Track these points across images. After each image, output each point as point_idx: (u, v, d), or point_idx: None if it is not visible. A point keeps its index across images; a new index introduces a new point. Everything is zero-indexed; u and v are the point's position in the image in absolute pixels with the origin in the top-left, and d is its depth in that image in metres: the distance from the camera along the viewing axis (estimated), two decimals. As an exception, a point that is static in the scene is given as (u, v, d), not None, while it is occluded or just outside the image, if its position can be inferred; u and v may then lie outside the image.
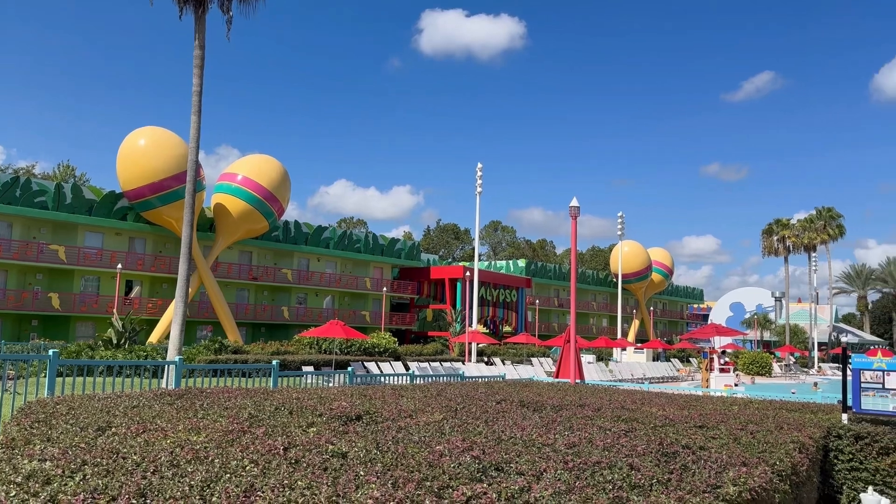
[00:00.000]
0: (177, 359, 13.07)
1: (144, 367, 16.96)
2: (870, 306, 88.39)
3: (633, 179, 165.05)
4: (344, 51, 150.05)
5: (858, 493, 6.58)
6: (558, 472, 4.08)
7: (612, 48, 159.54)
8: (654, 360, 49.73)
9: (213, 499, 3.12)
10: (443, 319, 57.53)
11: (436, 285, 62.02)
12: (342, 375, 16.71)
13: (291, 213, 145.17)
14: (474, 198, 42.03)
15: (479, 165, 41.93)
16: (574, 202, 17.50)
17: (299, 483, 3.41)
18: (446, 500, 3.23)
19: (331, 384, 16.43)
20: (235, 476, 3.55)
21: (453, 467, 3.97)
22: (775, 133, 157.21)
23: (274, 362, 14.27)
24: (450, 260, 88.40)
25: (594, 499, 3.46)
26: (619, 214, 55.32)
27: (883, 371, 8.14)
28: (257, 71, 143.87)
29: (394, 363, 30.29)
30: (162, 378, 15.57)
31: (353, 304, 57.65)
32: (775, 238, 65.69)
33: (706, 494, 3.78)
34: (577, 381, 16.11)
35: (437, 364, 31.62)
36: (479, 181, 41.89)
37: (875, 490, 6.61)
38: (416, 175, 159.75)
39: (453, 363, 33.79)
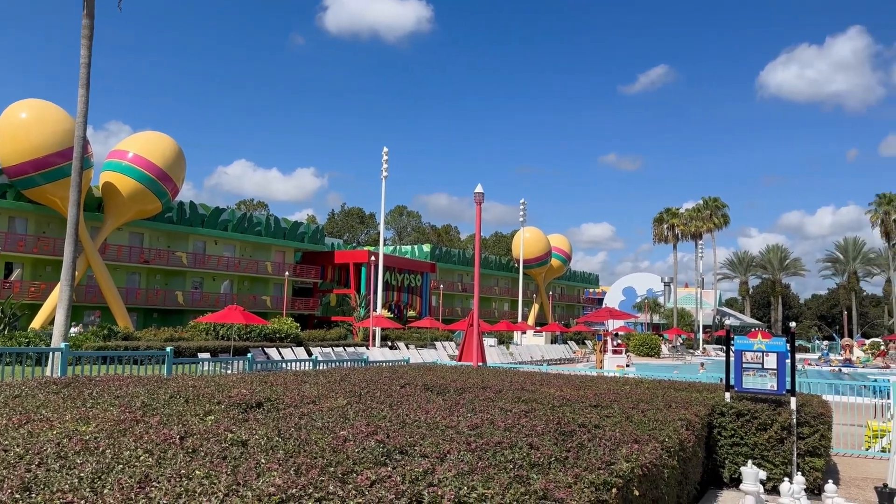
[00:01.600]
0: (62, 345, 12.36)
1: (27, 355, 15.95)
2: (750, 291, 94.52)
3: (536, 167, 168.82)
4: (244, 24, 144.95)
5: (739, 467, 7.04)
6: (461, 453, 4.15)
7: (517, 38, 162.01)
8: (552, 342, 51.29)
9: (105, 491, 2.98)
10: (347, 304, 57.09)
11: (340, 270, 61.41)
12: (241, 362, 16.30)
13: (187, 194, 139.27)
14: (380, 182, 41.84)
15: (385, 149, 41.74)
16: (479, 189, 17.71)
17: (197, 472, 3.30)
18: (351, 485, 3.22)
19: (229, 371, 16.00)
20: (129, 467, 3.40)
21: (358, 452, 3.96)
22: (668, 125, 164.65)
23: (168, 349, 13.75)
24: (354, 244, 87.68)
25: (496, 478, 3.54)
26: (522, 201, 56.56)
27: (762, 352, 8.72)
28: (152, 44, 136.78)
29: (296, 349, 29.82)
30: (46, 366, 14.70)
31: (254, 289, 56.23)
32: (665, 226, 68.91)
33: (601, 471, 3.94)
34: (480, 364, 16.40)
35: (340, 349, 31.37)
36: (385, 165, 41.70)
37: (754, 463, 7.10)
38: (320, 157, 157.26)
39: (357, 348, 33.63)
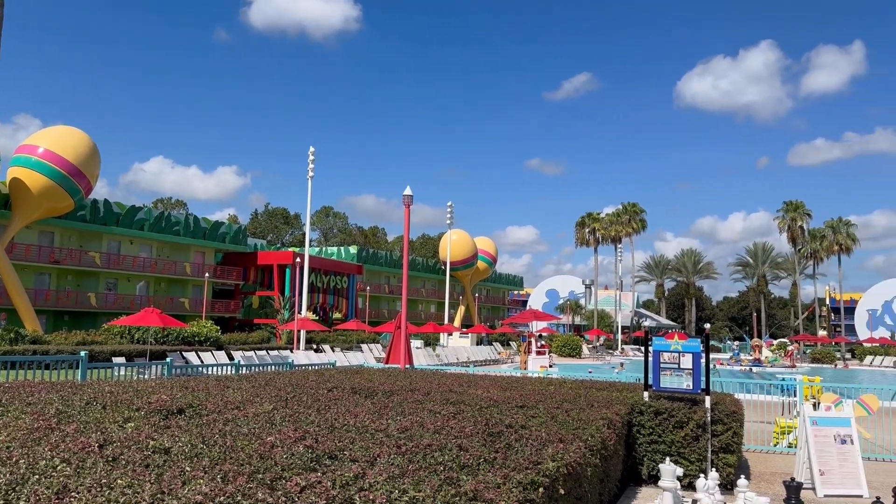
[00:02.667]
0: (-36, 351, 11.65)
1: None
2: (666, 293, 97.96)
3: (463, 170, 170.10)
4: (166, 16, 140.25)
5: (657, 464, 7.30)
6: (392, 456, 4.16)
7: (445, 40, 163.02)
8: (478, 344, 51.77)
9: (21, 503, 2.85)
10: (270, 307, 55.96)
11: (263, 271, 60.13)
12: (159, 367, 15.76)
13: (101, 192, 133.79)
14: (306, 182, 41.23)
15: (312, 149, 41.18)
16: (408, 191, 17.71)
17: (119, 481, 3.19)
18: (280, 492, 3.18)
19: (147, 376, 15.44)
20: (45, 477, 3.25)
21: (286, 458, 3.91)
22: (590, 131, 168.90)
23: (82, 353, 13.16)
24: (279, 245, 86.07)
25: (427, 481, 3.57)
26: (449, 204, 56.89)
27: (679, 352, 9.07)
28: (66, 34, 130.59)
29: (216, 353, 29.03)
30: (-56, 373, 13.81)
31: (171, 291, 54.40)
32: (587, 230, 70.72)
33: (529, 471, 4.03)
34: (407, 366, 16.40)
35: (263, 353, 30.75)
36: (312, 165, 41.14)
37: (671, 460, 7.38)
38: (243, 155, 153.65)
39: (281, 352, 33.04)
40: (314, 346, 39.67)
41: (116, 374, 15.27)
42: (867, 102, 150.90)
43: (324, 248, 75.49)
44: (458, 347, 43.60)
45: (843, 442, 9.04)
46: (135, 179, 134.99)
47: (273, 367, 17.96)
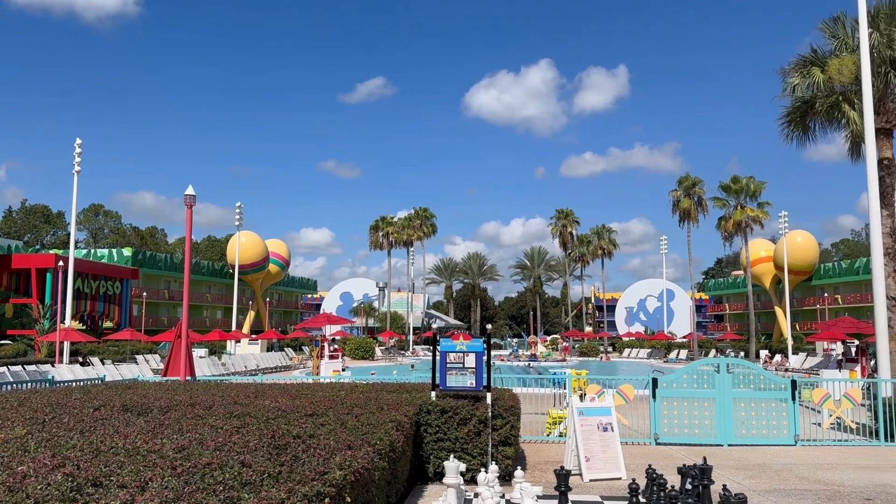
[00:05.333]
0: None
1: None
2: (454, 295, 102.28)
3: (255, 168, 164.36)
4: None
5: (443, 461, 7.56)
6: (166, 479, 3.87)
7: (233, 33, 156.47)
8: (268, 350, 50.27)
9: None
10: (28, 315, 49.79)
11: (19, 276, 53.38)
12: None
13: None
14: (72, 177, 37.29)
15: (78, 141, 37.34)
16: (190, 190, 16.70)
17: None
18: (29, 531, 2.82)
19: None
20: None
21: (40, 489, 3.48)
22: (384, 136, 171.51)
23: None
24: (38, 247, 76.96)
25: (205, 502, 3.37)
26: (238, 204, 54.55)
27: (464, 352, 9.49)
28: None
29: (-41, 370, 25.24)
30: None
31: None
32: (381, 233, 71.77)
33: (315, 482, 3.96)
34: (188, 377, 15.46)
35: (18, 368, 27.28)
36: (78, 159, 37.30)
37: (455, 456, 7.68)
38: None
39: (40, 366, 29.53)
40: (80, 359, 35.96)
41: None
42: (629, 121, 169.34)
43: (93, 250, 68.82)
44: (246, 355, 41.97)
45: (605, 429, 10.01)
46: None
47: (30, 384, 15.98)
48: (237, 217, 54.26)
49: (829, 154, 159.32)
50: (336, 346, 34.15)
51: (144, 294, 61.05)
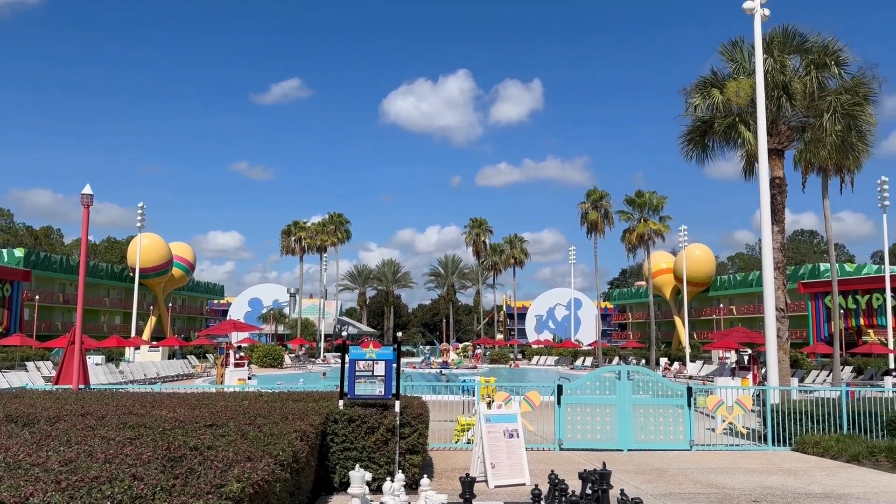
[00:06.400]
0: None
1: None
2: (367, 302, 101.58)
3: (161, 168, 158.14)
4: None
5: (349, 471, 7.46)
6: (49, 494, 3.65)
7: (139, 27, 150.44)
8: (170, 357, 48.29)
9: None
10: None
11: None
12: None
13: None
14: (-44, 172, 34.79)
15: (-34, 134, 34.93)
16: (87, 189, 15.87)
17: None
18: None
19: None
20: None
21: None
22: (299, 138, 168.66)
23: None
24: (-84, 245, 71.40)
25: (89, 520, 3.19)
26: (140, 205, 52.32)
27: (373, 360, 9.43)
28: None
29: None
30: None
31: None
32: (293, 238, 70.41)
33: (210, 495, 3.83)
34: (82, 386, 14.66)
35: None
36: (-35, 153, 34.88)
37: (361, 466, 7.60)
38: None
39: (-85, 374, 27.33)
40: (-37, 367, 33.51)
41: None
42: (542, 134, 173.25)
43: (-19, 251, 64.41)
44: (146, 363, 40.20)
45: (511, 436, 10.16)
46: None
47: None
48: (139, 218, 52.07)
49: (728, 172, 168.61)
50: (242, 354, 33.24)
51: (37, 297, 57.57)
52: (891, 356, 37.31)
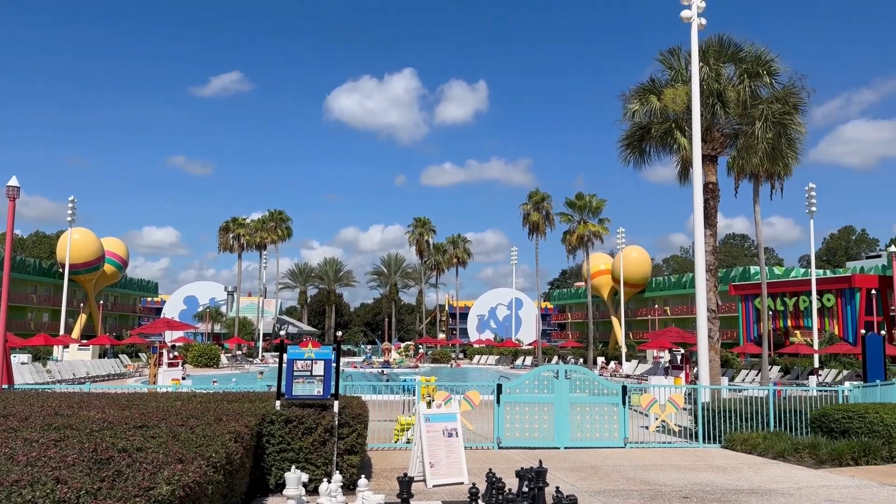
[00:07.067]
0: None
1: None
2: (308, 300, 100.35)
3: (94, 160, 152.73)
4: None
5: (285, 472, 7.35)
6: (-38, 501, 3.48)
7: (76, 17, 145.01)
8: (101, 356, 46.70)
9: None
10: None
11: None
12: None
13: None
14: None
15: None
16: (13, 181, 15.26)
17: None
18: None
19: None
20: None
21: None
22: (240, 133, 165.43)
23: None
24: None
25: (6, 526, 3.05)
26: (71, 198, 50.43)
27: (312, 360, 9.31)
28: None
29: None
30: None
31: None
32: (231, 235, 68.96)
33: (138, 498, 3.71)
34: (5, 386, 14.06)
35: None
36: None
37: (298, 467, 7.50)
38: None
39: None
40: None
41: None
42: (487, 135, 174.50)
43: None
44: (75, 362, 38.77)
45: (450, 435, 10.19)
46: None
47: None
48: (70, 212, 50.22)
49: (664, 176, 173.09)
50: (176, 353, 32.39)
51: (-44, 293, 54.86)
52: (816, 356, 38.97)
